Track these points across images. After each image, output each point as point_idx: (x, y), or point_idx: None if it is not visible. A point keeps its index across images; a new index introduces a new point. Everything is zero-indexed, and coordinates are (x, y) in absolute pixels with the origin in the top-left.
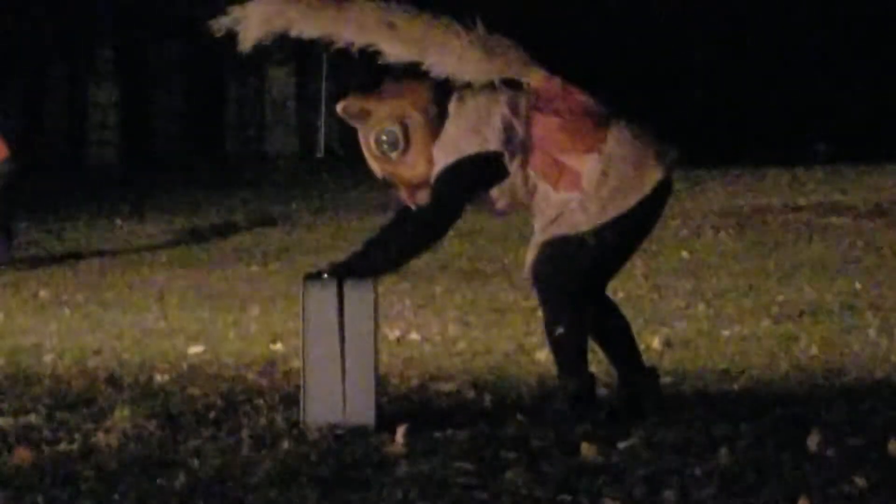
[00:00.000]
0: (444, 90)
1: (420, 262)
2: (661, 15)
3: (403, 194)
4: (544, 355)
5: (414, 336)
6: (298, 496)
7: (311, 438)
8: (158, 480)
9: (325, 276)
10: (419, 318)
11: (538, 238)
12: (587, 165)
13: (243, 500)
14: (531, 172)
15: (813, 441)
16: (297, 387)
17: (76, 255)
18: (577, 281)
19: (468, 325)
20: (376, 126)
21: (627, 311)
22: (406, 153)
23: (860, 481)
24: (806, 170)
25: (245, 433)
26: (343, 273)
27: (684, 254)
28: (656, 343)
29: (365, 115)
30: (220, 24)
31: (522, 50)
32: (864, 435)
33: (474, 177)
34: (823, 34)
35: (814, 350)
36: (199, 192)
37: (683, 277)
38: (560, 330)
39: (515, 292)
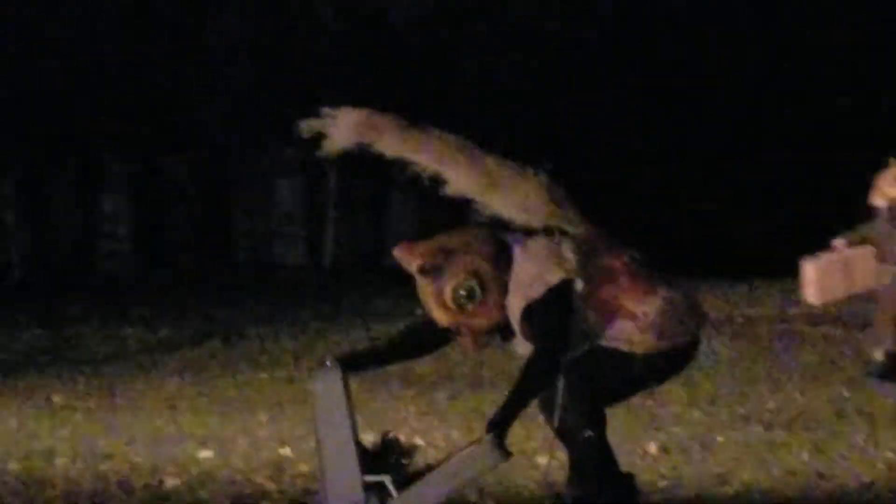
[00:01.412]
0: (502, 241)
1: (425, 370)
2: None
3: (468, 341)
4: (544, 459)
5: (418, 441)
6: None
7: None
8: None
9: (329, 363)
10: (423, 425)
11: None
12: (643, 307)
13: None
14: (591, 308)
15: None
16: (305, 490)
17: (88, 362)
18: (609, 397)
19: (471, 430)
20: (452, 280)
21: (625, 417)
22: (483, 304)
23: None
24: (794, 281)
25: None
26: (501, 424)
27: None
28: (653, 448)
29: (438, 271)
30: (310, 126)
31: (569, 196)
32: None
33: (566, 301)
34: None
35: (804, 456)
36: (208, 299)
37: (679, 384)
38: (588, 433)
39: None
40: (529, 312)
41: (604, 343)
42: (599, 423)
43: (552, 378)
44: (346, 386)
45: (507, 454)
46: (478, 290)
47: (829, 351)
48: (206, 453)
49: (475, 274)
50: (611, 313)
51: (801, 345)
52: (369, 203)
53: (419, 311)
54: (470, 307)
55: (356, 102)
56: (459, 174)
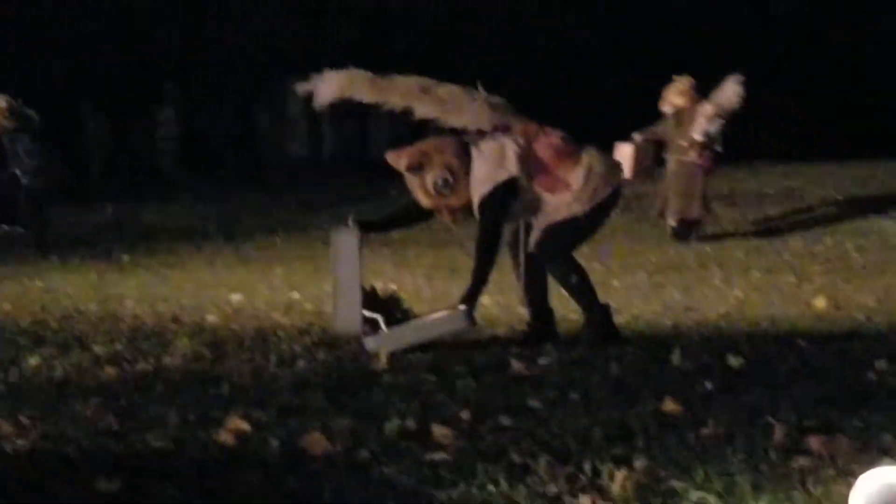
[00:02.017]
0: (463, 143)
1: (397, 235)
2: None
3: (447, 217)
4: (487, 299)
5: (392, 286)
6: (311, 399)
7: (318, 358)
8: (210, 390)
9: (350, 223)
10: (395, 274)
11: (542, 224)
12: (574, 175)
13: (271, 402)
14: (536, 187)
15: (675, 357)
16: (310, 324)
17: (151, 231)
18: (572, 248)
19: (432, 279)
20: (431, 175)
21: None
22: (454, 191)
23: (708, 385)
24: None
25: (272, 356)
26: (471, 297)
27: None
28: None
29: (420, 167)
30: (302, 88)
31: (508, 104)
32: (711, 353)
33: (506, 197)
34: None
35: (676, 294)
36: (237, 183)
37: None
38: (573, 278)
39: (466, 257)
40: (481, 206)
41: (550, 222)
42: (577, 268)
43: (493, 254)
44: (360, 243)
45: (473, 322)
46: (450, 180)
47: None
48: (236, 297)
49: (448, 168)
50: (550, 189)
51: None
52: (356, 112)
53: (393, 192)
54: (446, 192)
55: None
56: (421, 105)
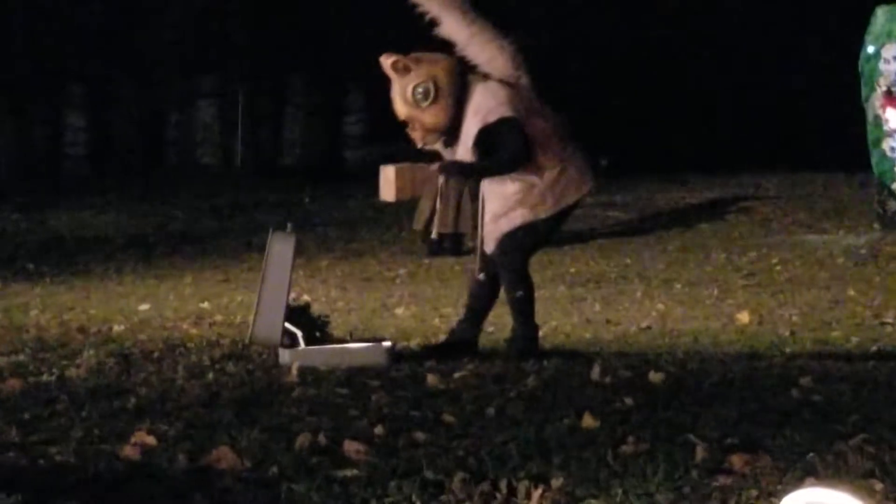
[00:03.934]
0: (463, 70)
1: (310, 246)
2: None
3: (417, 135)
4: (401, 311)
5: (305, 298)
6: (219, 414)
7: (228, 371)
8: (115, 402)
9: (288, 228)
10: (309, 285)
11: (503, 227)
12: (549, 166)
13: (178, 415)
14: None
15: (595, 372)
16: (220, 335)
17: (58, 239)
18: (528, 256)
19: (345, 289)
20: (414, 80)
21: (462, 279)
22: (433, 105)
23: (628, 401)
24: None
25: (180, 368)
26: (460, 171)
27: None
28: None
29: (406, 70)
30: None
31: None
32: (631, 368)
33: (515, 131)
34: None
35: (597, 307)
36: (147, 192)
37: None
38: (520, 293)
39: (380, 265)
40: (486, 132)
41: (511, 227)
42: (527, 282)
43: (515, 167)
44: (296, 250)
45: (393, 360)
46: (432, 92)
47: (617, 229)
48: (144, 306)
49: (433, 80)
50: (532, 155)
51: (596, 224)
52: (270, 118)
53: (306, 200)
54: (424, 104)
55: None
56: (454, 22)
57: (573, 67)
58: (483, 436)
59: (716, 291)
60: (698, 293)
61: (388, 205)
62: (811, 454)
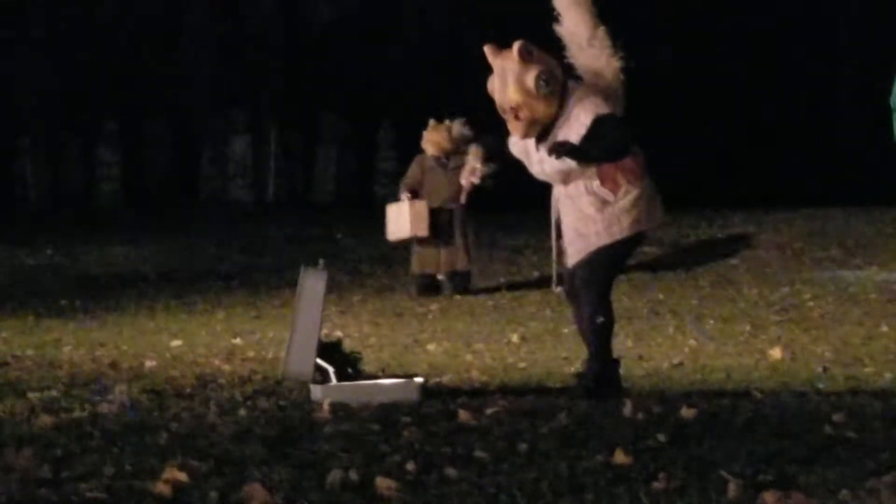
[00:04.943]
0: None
1: (343, 278)
2: None
3: (520, 126)
4: (433, 347)
5: (337, 333)
6: (251, 450)
7: (260, 407)
8: (147, 438)
9: (320, 264)
10: (341, 321)
11: (583, 245)
12: (630, 182)
13: (209, 451)
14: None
15: (627, 408)
16: (252, 371)
17: (90, 274)
18: (611, 279)
19: (377, 325)
20: (538, 67)
21: (493, 314)
22: (549, 96)
23: (660, 437)
24: None
25: (212, 404)
26: (570, 152)
27: (536, 273)
28: (515, 338)
29: (530, 58)
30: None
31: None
32: (663, 403)
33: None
34: None
35: (629, 343)
36: (179, 227)
37: (532, 288)
38: (601, 318)
39: (412, 301)
40: (599, 122)
41: (594, 248)
42: (608, 310)
43: (615, 156)
44: (327, 287)
45: (424, 397)
46: (553, 82)
47: (649, 265)
48: (176, 342)
49: (552, 73)
50: (603, 178)
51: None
52: (301, 154)
53: (338, 236)
54: (542, 92)
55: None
56: (579, 18)
57: None
58: (514, 472)
59: (748, 327)
60: (731, 329)
61: (400, 242)
62: (844, 491)
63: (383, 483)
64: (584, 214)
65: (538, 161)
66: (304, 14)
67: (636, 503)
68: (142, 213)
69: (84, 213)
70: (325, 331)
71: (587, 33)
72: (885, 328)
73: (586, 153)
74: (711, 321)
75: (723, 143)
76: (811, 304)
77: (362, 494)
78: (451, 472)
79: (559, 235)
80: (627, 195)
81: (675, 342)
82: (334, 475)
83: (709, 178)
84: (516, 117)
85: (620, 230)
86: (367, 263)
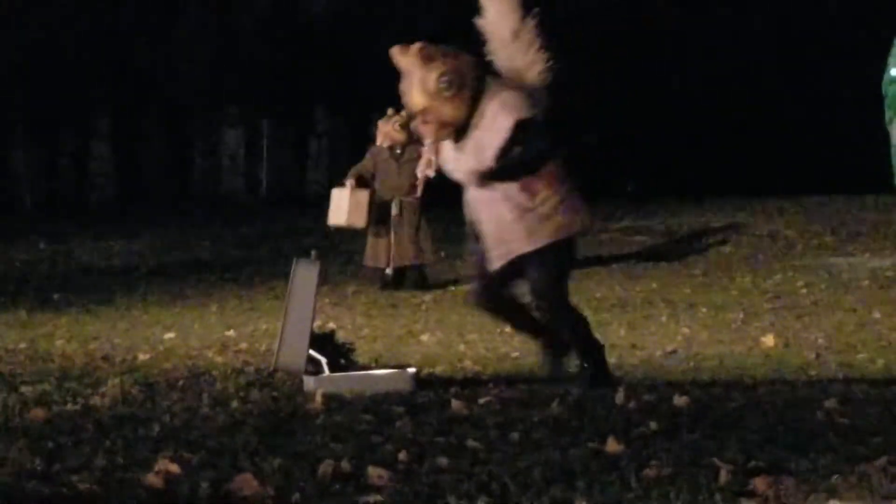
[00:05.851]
0: (484, 70)
1: (335, 271)
2: None
3: (429, 129)
4: (427, 338)
5: (330, 325)
6: (244, 441)
7: (252, 398)
8: (140, 431)
9: (312, 255)
10: (334, 312)
11: (507, 253)
12: (547, 192)
13: (202, 443)
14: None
15: (619, 396)
16: (245, 363)
17: (83, 268)
18: (562, 287)
19: (370, 316)
20: (439, 68)
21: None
22: (455, 97)
23: (652, 425)
24: (614, 201)
25: (205, 396)
26: (492, 176)
27: None
28: (508, 328)
29: (431, 59)
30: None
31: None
32: (656, 392)
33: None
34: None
35: (622, 332)
36: (173, 221)
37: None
38: (569, 326)
39: (406, 292)
40: (523, 125)
41: (540, 245)
42: (571, 312)
43: (540, 164)
44: (320, 278)
45: (416, 387)
46: (455, 84)
47: (642, 254)
48: (169, 335)
49: (458, 72)
50: (525, 186)
51: (621, 249)
52: (294, 147)
53: (332, 228)
54: (447, 94)
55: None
56: (502, 12)
57: (597, 93)
58: (506, 461)
59: (741, 315)
60: (724, 317)
61: (338, 229)
62: (835, 476)
63: (375, 473)
64: (504, 220)
65: (453, 160)
66: (297, 8)
67: (628, 490)
68: (135, 207)
69: (78, 206)
70: (318, 322)
71: (512, 27)
72: (877, 315)
73: (511, 172)
74: (704, 309)
75: (715, 131)
76: (804, 291)
77: (354, 484)
78: (443, 461)
79: (477, 239)
80: (547, 201)
81: (667, 330)
82: (326, 465)
83: (701, 167)
84: (425, 121)
85: (542, 237)
86: (361, 255)
